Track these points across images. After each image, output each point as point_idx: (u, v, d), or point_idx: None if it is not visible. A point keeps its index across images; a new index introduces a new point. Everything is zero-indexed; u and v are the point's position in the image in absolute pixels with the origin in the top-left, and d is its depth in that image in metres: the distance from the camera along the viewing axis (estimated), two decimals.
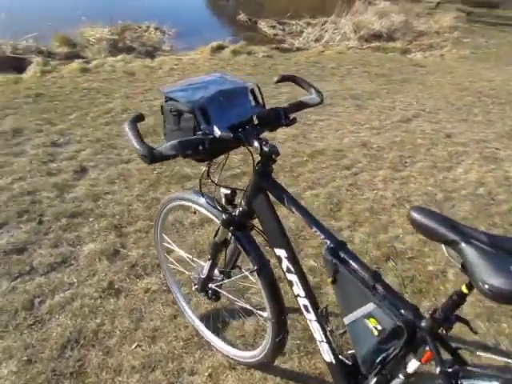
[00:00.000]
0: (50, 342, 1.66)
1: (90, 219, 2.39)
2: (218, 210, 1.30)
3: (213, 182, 1.25)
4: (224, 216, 1.28)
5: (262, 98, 1.21)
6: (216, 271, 1.51)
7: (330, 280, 1.05)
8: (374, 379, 1.03)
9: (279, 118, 1.18)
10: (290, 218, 2.56)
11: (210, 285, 1.51)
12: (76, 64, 5.33)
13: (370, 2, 10.49)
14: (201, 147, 1.00)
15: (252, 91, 1.20)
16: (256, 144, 1.07)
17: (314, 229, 1.08)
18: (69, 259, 2.09)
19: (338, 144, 3.73)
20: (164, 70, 5.59)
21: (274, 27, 9.40)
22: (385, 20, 9.46)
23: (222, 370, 1.62)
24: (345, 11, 9.20)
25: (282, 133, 3.75)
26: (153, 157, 0.92)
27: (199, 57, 6.42)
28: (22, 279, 1.95)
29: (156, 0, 10.37)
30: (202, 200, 1.37)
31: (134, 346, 1.68)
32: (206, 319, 1.76)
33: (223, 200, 1.30)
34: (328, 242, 1.06)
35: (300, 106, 1.26)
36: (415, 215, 0.87)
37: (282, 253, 1.18)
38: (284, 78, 1.32)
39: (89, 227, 2.32)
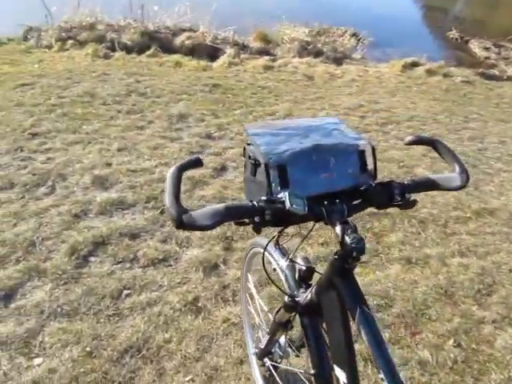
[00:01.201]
0: (116, 341, 1.65)
1: None
2: (279, 287, 1.03)
3: (284, 254, 1.00)
4: (286, 299, 1.02)
5: (375, 165, 0.89)
6: (283, 340, 1.26)
7: None
8: None
9: (391, 197, 0.84)
10: (418, 288, 2.10)
11: (265, 359, 1.27)
12: (262, 60, 5.50)
13: None
14: (258, 219, 0.77)
15: (361, 153, 0.89)
16: (338, 230, 0.77)
17: (381, 369, 0.74)
18: (170, 259, 2.09)
19: None
20: (344, 79, 5.36)
21: (487, 49, 8.27)
22: None
23: None
24: None
25: None
26: (180, 223, 0.70)
27: (387, 71, 5.99)
28: (123, 266, 2.01)
29: (368, 7, 10.08)
30: (280, 261, 1.13)
31: (187, 379, 1.56)
32: (267, 381, 1.53)
33: (296, 275, 1.04)
34: None
35: (428, 185, 0.89)
36: None
37: (341, 375, 0.86)
38: (420, 141, 0.96)
39: (202, 231, 2.29)
